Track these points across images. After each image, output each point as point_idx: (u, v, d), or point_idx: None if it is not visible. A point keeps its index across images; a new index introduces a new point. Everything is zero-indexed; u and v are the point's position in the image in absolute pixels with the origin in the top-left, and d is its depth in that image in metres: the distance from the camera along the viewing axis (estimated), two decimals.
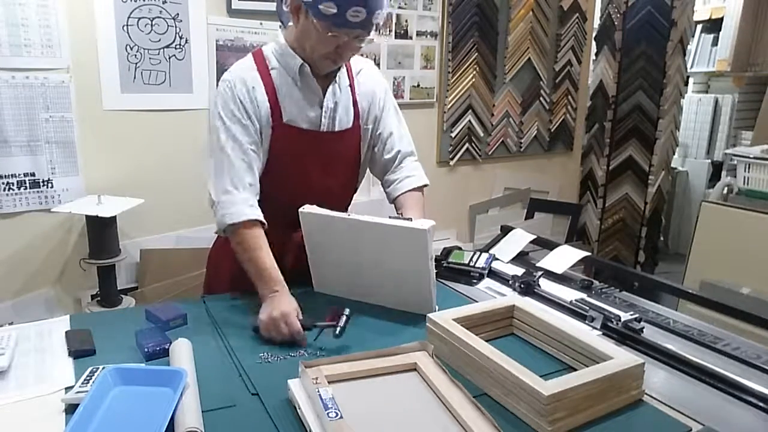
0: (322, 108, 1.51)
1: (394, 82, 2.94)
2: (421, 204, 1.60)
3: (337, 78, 1.53)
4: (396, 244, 1.38)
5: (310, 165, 1.52)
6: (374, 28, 1.39)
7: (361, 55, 2.47)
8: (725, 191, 3.13)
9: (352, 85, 1.58)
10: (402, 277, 1.43)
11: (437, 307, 1.41)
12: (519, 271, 1.67)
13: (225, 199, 1.41)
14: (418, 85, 3.03)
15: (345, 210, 1.46)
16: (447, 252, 1.77)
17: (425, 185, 1.67)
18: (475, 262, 1.71)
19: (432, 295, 1.41)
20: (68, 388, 1.07)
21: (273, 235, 1.51)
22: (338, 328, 1.25)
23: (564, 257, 1.72)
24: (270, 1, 2.52)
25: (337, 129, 1.54)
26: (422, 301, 1.42)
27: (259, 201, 1.47)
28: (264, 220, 1.43)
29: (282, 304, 1.31)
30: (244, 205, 1.41)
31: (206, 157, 1.57)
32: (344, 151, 1.59)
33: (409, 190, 1.62)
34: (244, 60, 1.51)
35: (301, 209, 1.45)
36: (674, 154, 3.92)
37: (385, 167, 1.66)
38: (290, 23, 1.49)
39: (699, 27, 4.36)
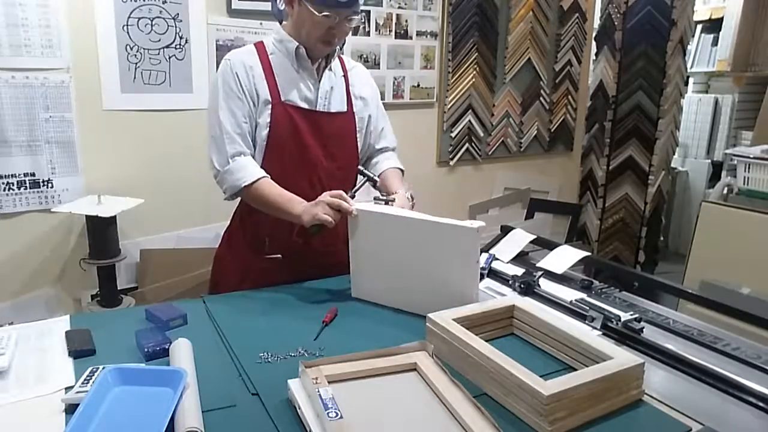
0: (318, 90, 1.62)
1: (394, 82, 2.94)
2: (400, 178, 1.73)
3: (331, 65, 1.65)
4: (444, 243, 1.38)
5: (309, 142, 1.61)
6: (359, 8, 1.55)
7: (360, 56, 2.58)
8: (725, 191, 3.13)
9: (346, 76, 1.70)
10: (445, 277, 1.40)
11: None
12: (519, 271, 1.67)
13: (232, 166, 1.54)
14: (418, 85, 3.03)
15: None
16: None
17: (402, 170, 1.80)
18: None
19: (476, 297, 1.39)
20: (68, 388, 1.07)
21: (276, 220, 1.56)
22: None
23: (564, 257, 1.72)
24: (270, 0, 2.52)
25: (332, 110, 1.65)
26: (465, 302, 1.39)
27: None
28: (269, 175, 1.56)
29: (313, 203, 1.47)
30: (251, 166, 1.55)
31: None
32: (341, 133, 1.68)
33: (389, 169, 1.75)
34: (244, 48, 1.64)
35: (353, 208, 1.45)
36: (674, 154, 3.92)
37: (368, 155, 1.80)
38: (285, 21, 1.62)
39: (699, 27, 4.36)
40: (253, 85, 1.55)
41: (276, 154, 1.58)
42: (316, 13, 1.47)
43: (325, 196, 1.46)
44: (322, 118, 1.63)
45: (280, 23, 1.65)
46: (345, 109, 1.68)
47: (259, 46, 1.61)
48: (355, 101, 1.70)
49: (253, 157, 1.58)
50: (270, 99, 1.56)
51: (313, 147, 1.61)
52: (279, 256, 1.64)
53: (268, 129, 1.56)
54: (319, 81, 1.62)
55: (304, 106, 1.60)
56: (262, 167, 1.57)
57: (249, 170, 1.53)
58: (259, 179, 1.53)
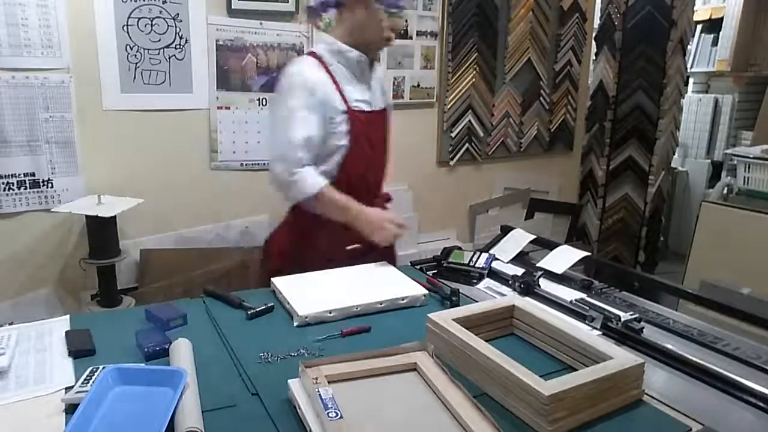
0: (370, 91, 1.76)
1: (394, 82, 2.94)
2: None
3: (374, 65, 1.79)
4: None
5: (375, 140, 1.78)
6: None
7: None
8: (725, 191, 3.13)
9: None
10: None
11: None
12: (519, 271, 1.67)
13: (298, 177, 1.64)
14: (418, 85, 3.03)
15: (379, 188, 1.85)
16: (447, 252, 1.77)
17: None
18: (475, 262, 1.71)
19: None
20: (68, 388, 1.07)
21: (332, 231, 1.69)
22: None
23: (564, 257, 1.72)
24: (270, 0, 2.52)
25: (380, 108, 1.81)
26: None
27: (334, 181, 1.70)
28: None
29: (376, 213, 1.67)
30: (315, 176, 1.66)
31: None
32: (386, 126, 1.85)
33: None
34: (304, 59, 1.73)
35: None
36: (674, 154, 3.92)
37: None
38: (328, 29, 1.80)
39: (699, 27, 4.36)
40: (326, 99, 1.65)
41: (354, 157, 1.71)
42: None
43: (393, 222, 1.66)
44: (377, 116, 1.79)
45: (319, 27, 1.82)
46: (383, 104, 1.83)
47: (319, 59, 1.69)
48: (383, 97, 1.85)
49: (316, 165, 1.69)
50: (343, 108, 1.67)
51: (378, 144, 1.79)
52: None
53: (347, 136, 1.68)
54: (371, 81, 1.77)
55: (367, 108, 1.74)
56: (342, 170, 1.71)
57: (313, 180, 1.65)
58: (321, 188, 1.65)
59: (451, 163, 3.24)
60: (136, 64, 2.33)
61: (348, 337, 1.31)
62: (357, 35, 1.67)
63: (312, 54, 1.72)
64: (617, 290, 1.58)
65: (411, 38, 2.95)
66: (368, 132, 1.73)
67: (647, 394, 1.09)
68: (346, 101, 1.68)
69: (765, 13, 3.94)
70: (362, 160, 1.73)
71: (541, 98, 3.46)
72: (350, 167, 1.71)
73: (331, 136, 1.67)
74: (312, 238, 1.75)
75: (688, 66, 4.02)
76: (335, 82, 1.67)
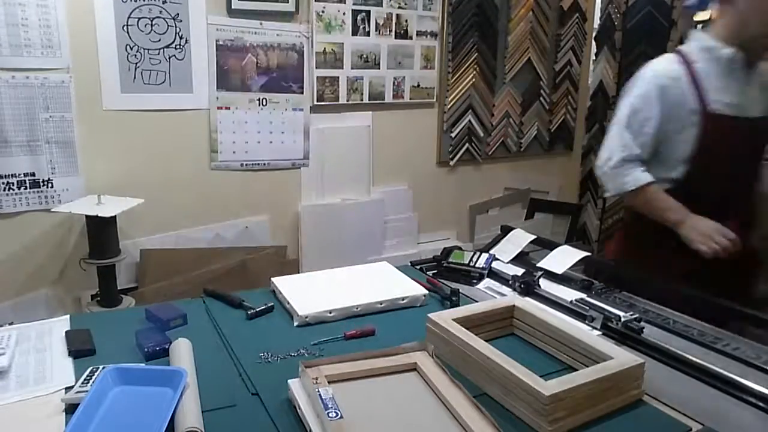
0: (746, 94, 1.58)
1: (394, 82, 2.94)
2: None
3: (758, 67, 1.60)
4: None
5: (739, 151, 1.58)
6: None
7: (360, 56, 2.54)
8: None
9: None
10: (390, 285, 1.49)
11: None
12: (519, 271, 1.67)
13: (619, 171, 1.64)
14: (418, 85, 3.03)
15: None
16: (447, 252, 1.77)
17: None
18: (475, 262, 1.71)
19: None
20: (68, 388, 1.07)
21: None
22: None
23: (564, 257, 1.72)
24: (270, 0, 2.52)
25: (756, 115, 1.60)
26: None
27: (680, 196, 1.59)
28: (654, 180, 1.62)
29: (704, 221, 1.52)
30: (638, 173, 1.62)
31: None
32: (762, 137, 1.65)
33: None
34: (665, 56, 1.66)
35: None
36: None
37: None
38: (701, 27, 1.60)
39: (699, 27, 4.35)
40: (677, 99, 1.57)
41: (702, 164, 1.57)
42: None
43: (722, 238, 1.49)
44: (748, 123, 1.58)
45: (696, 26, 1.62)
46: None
47: (680, 57, 1.62)
48: None
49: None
50: (698, 109, 1.56)
51: (740, 156, 1.59)
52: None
53: (696, 140, 1.57)
54: (749, 85, 1.58)
55: (731, 113, 1.57)
56: (686, 178, 1.59)
57: (635, 175, 1.61)
58: (640, 186, 1.60)
59: (451, 163, 3.24)
60: (136, 64, 2.33)
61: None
62: (738, 30, 1.53)
63: (677, 52, 1.65)
64: (617, 290, 1.58)
65: (411, 38, 2.95)
66: (727, 139, 1.55)
67: (647, 394, 1.09)
68: (703, 101, 1.55)
69: None
70: (710, 170, 1.57)
71: (541, 98, 3.46)
72: (694, 177, 1.57)
73: (674, 138, 1.57)
74: (642, 248, 1.70)
75: None
76: (695, 80, 1.56)
